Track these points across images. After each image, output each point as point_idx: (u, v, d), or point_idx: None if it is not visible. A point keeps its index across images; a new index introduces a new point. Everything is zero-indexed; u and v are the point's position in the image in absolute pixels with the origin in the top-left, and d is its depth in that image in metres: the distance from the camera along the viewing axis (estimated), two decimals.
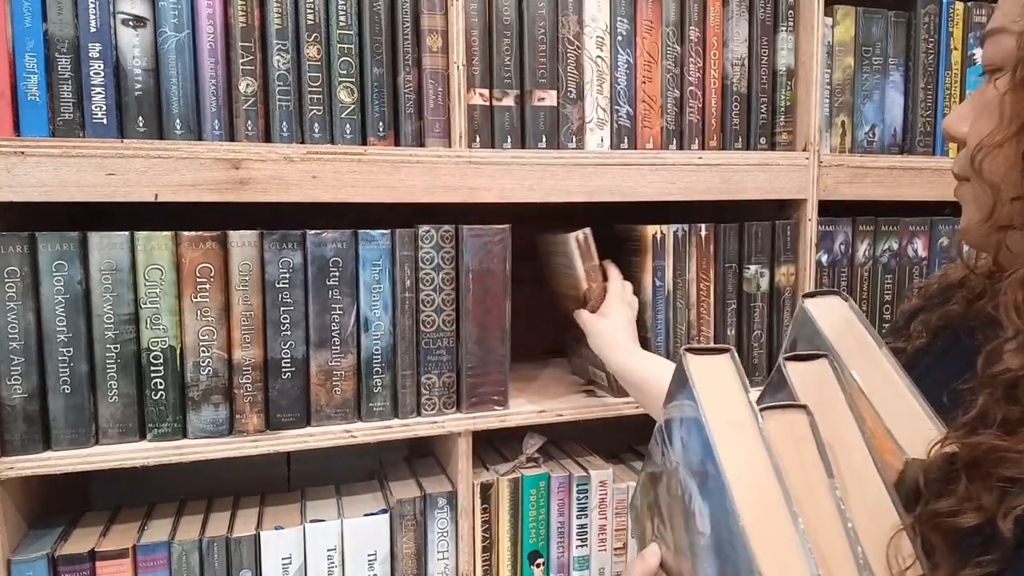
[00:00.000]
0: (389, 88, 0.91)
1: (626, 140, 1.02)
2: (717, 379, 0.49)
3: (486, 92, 0.96)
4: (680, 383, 0.51)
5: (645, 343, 1.03)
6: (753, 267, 1.07)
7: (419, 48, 0.92)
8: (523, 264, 1.09)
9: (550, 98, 0.98)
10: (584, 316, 1.01)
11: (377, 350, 0.92)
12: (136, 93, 0.83)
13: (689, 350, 0.51)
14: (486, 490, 1.00)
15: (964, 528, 0.43)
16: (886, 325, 1.15)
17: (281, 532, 0.92)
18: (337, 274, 0.90)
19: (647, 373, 0.91)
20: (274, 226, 0.88)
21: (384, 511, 0.97)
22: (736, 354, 0.51)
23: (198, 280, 0.85)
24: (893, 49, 1.14)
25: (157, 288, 0.84)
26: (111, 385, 0.84)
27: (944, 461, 0.46)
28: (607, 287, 1.02)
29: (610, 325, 0.98)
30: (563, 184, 0.98)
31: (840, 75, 1.11)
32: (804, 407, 0.49)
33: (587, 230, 1.01)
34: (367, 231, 0.91)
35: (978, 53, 1.16)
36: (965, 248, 0.61)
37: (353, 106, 0.90)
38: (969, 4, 1.15)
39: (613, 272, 1.04)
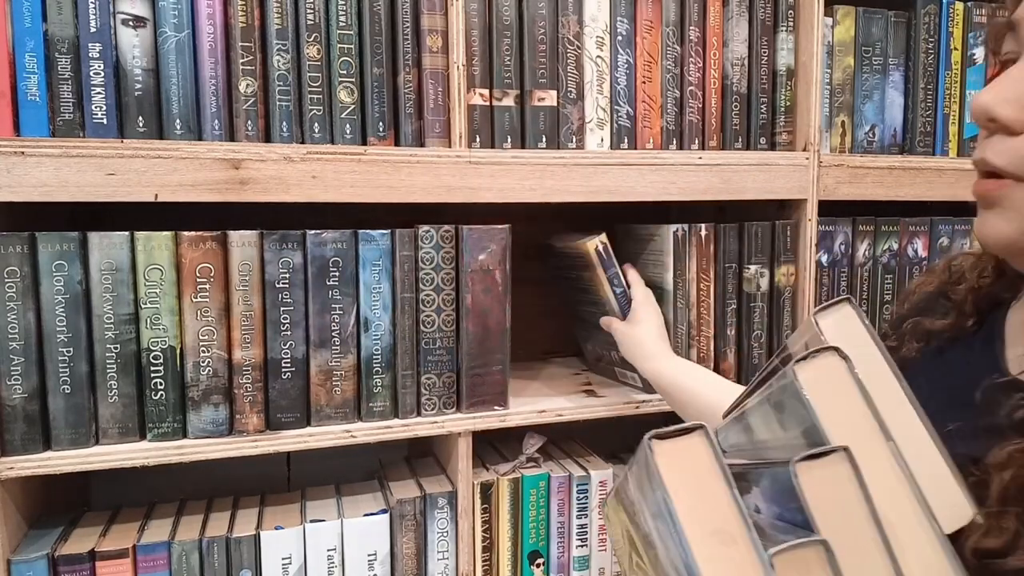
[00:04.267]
0: (389, 88, 0.91)
1: (626, 140, 1.02)
2: (693, 473, 0.40)
3: (486, 92, 0.96)
4: (647, 478, 0.40)
5: None
6: (753, 267, 1.07)
7: (419, 48, 0.92)
8: (523, 264, 1.09)
9: (550, 98, 0.98)
10: (615, 324, 1.02)
11: (377, 350, 0.92)
12: (136, 93, 0.83)
13: (656, 437, 0.40)
14: (486, 490, 1.00)
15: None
16: (885, 325, 1.15)
17: (281, 532, 0.92)
18: (337, 274, 0.90)
19: (682, 382, 0.92)
20: (274, 226, 0.88)
21: (384, 511, 0.97)
22: (710, 433, 0.40)
23: (198, 280, 0.85)
24: (893, 49, 1.14)
25: (157, 288, 0.84)
26: (111, 385, 0.84)
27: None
28: (631, 293, 1.02)
29: (641, 332, 0.98)
30: (563, 184, 0.98)
31: (840, 75, 1.11)
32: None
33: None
34: (367, 231, 0.91)
35: (978, 53, 1.16)
36: (975, 246, 0.55)
37: (353, 106, 0.90)
38: (969, 4, 1.15)
39: (634, 277, 1.03)
